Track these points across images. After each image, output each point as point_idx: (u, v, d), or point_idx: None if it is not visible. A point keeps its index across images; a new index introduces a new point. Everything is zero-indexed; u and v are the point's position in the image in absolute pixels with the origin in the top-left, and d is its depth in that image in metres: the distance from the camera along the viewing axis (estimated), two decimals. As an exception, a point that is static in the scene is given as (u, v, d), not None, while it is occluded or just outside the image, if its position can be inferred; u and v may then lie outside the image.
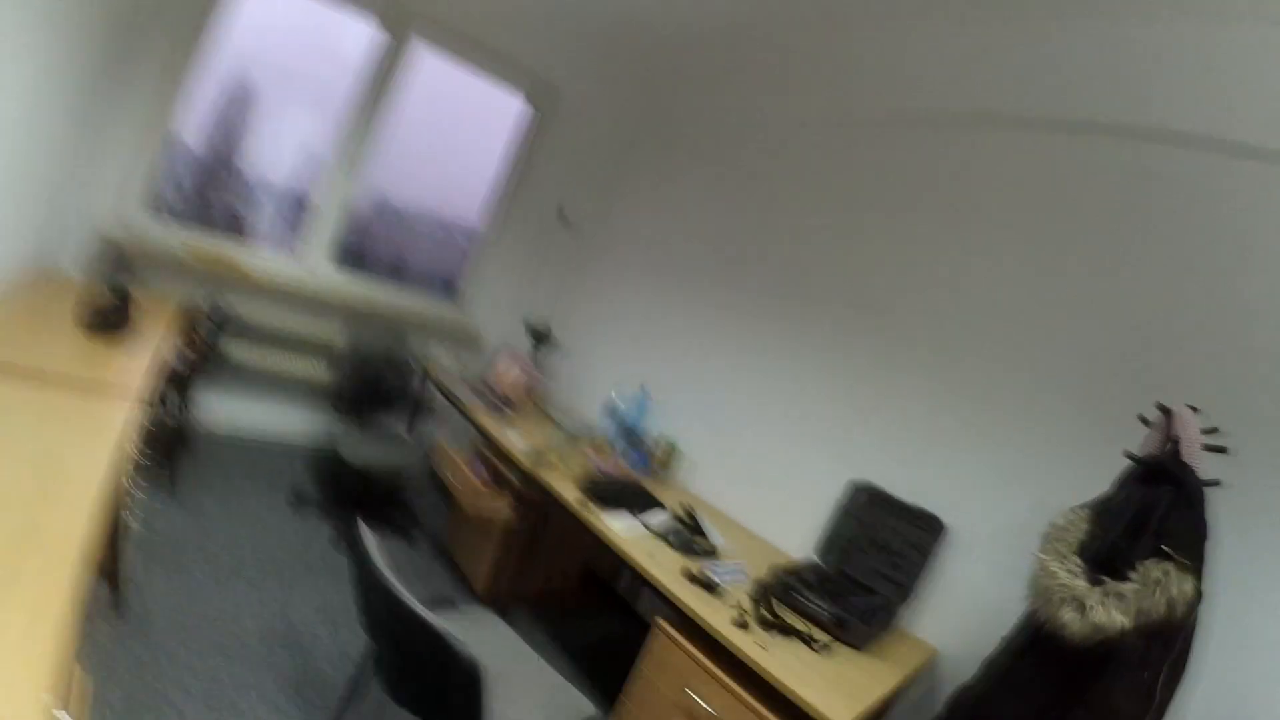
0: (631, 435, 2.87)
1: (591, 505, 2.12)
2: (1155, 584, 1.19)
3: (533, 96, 3.61)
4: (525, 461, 2.38)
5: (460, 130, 3.68)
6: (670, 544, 2.01)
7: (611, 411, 2.98)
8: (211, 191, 3.21)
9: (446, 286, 3.87)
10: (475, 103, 3.58)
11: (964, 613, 1.86)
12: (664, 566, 1.85)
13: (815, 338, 2.48)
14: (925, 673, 1.83)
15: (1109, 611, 1.21)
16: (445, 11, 3.09)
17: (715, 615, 1.65)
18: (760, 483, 2.48)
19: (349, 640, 2.09)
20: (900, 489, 2.06)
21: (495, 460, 2.59)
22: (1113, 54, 1.86)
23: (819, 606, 1.74)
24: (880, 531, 2.01)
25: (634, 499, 2.28)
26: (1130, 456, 1.42)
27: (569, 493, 2.19)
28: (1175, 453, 1.32)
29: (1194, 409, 1.35)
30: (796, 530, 2.26)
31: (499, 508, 2.42)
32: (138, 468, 1.65)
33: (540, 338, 3.37)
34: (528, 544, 2.45)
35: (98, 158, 2.49)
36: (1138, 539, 1.26)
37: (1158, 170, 1.75)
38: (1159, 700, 1.24)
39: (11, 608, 0.82)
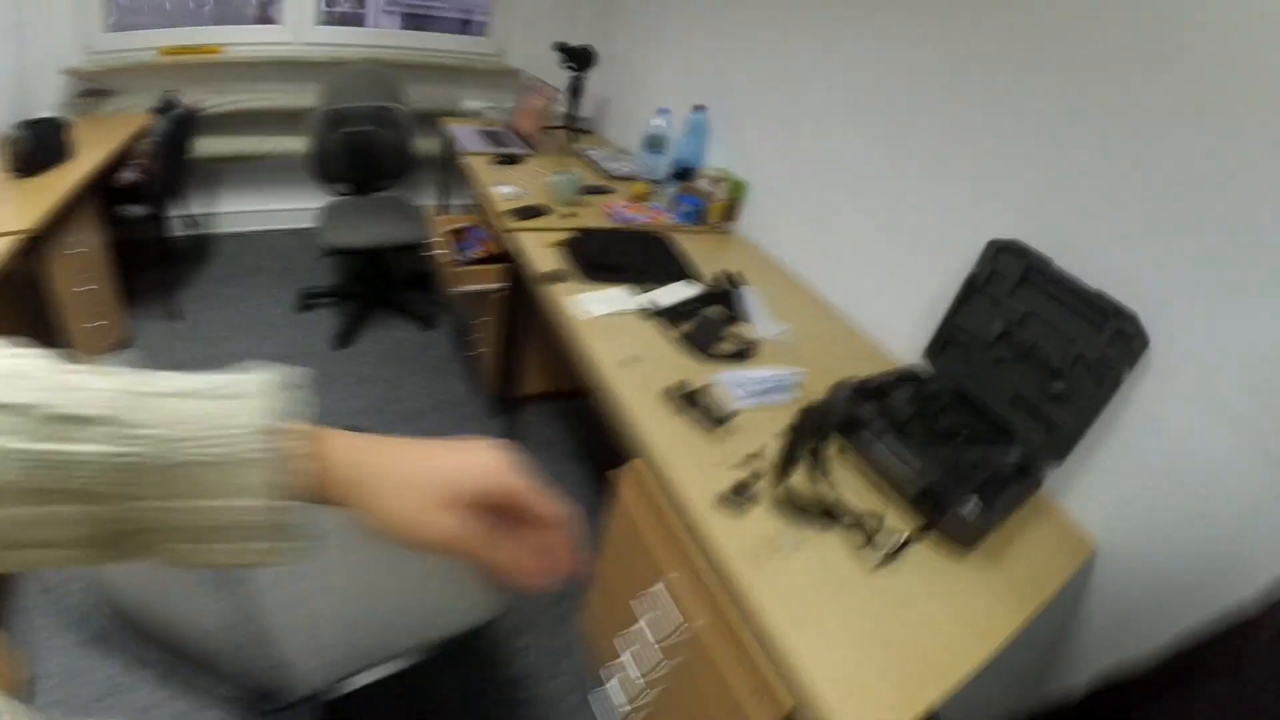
0: (681, 171, 2.00)
1: (567, 276, 1.43)
2: None
3: None
4: (503, 220, 1.69)
5: None
6: (688, 337, 1.30)
7: (655, 140, 2.08)
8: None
9: (470, 25, 3.10)
10: None
11: (1159, 499, 1.02)
12: (644, 378, 1.16)
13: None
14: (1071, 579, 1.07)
15: None
16: None
17: (697, 473, 0.98)
18: (857, 240, 1.57)
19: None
20: (1071, 263, 1.08)
21: (494, 225, 1.92)
22: None
23: (904, 461, 0.99)
24: (1032, 330, 1.11)
25: (648, 266, 1.54)
26: None
27: (544, 261, 1.50)
28: None
29: None
30: (906, 317, 1.40)
31: (486, 288, 1.82)
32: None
33: (580, 60, 2.36)
34: (515, 332, 1.86)
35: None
36: None
37: None
38: None
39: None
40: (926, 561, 0.94)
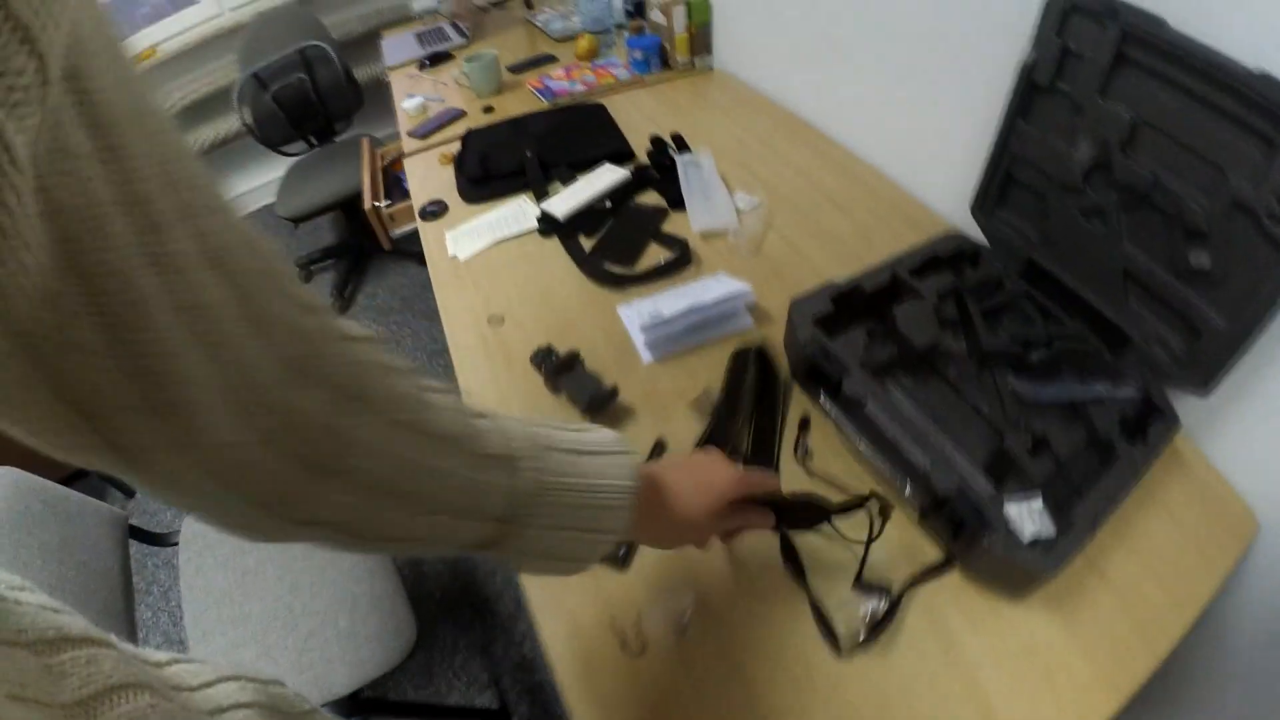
0: (635, 7, 1.47)
1: (443, 208, 1.05)
2: None
3: None
4: (402, 144, 1.32)
5: None
6: (595, 255, 0.90)
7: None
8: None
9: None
10: None
11: None
12: (508, 340, 0.79)
13: None
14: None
15: None
16: None
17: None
18: (864, 37, 0.98)
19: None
20: (1205, 26, 0.48)
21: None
22: None
23: (902, 449, 0.56)
24: (1147, 154, 0.55)
25: (559, 155, 1.10)
26: None
27: (424, 190, 1.13)
28: None
29: None
30: (952, 146, 0.84)
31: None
32: None
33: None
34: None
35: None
36: None
37: None
38: None
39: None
40: (957, 596, 0.51)
